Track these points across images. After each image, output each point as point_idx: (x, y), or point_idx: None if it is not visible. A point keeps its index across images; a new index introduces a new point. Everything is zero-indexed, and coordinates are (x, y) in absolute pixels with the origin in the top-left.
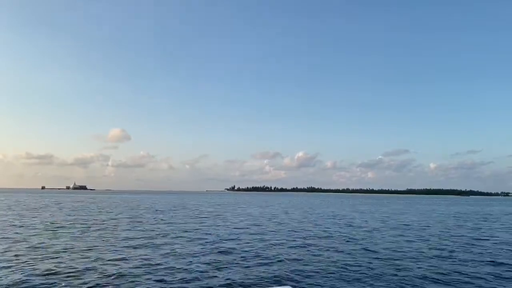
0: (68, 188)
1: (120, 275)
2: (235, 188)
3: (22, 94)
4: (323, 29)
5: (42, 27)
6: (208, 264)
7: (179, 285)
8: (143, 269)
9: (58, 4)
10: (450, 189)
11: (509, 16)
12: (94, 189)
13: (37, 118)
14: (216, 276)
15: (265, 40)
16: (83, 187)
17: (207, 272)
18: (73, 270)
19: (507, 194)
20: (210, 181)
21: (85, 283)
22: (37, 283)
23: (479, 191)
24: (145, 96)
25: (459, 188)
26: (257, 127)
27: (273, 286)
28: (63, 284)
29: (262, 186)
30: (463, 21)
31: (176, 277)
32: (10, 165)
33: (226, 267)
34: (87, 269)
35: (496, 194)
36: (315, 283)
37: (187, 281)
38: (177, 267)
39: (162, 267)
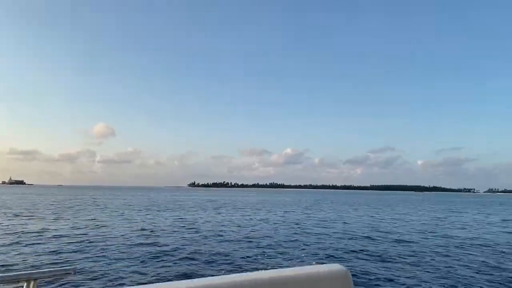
0: (4, 183)
1: None
2: (195, 183)
3: (5, 89)
4: (310, 25)
5: (27, 23)
6: None
7: None
8: None
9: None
10: (415, 185)
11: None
12: (32, 184)
13: (20, 112)
14: None
15: (252, 36)
16: (20, 182)
17: None
18: None
19: (469, 190)
20: (199, 177)
21: None
22: None
23: (443, 187)
24: (128, 91)
25: (439, 185)
26: (245, 123)
27: (321, 264)
28: None
29: (222, 182)
30: (447, 22)
31: None
32: None
33: None
34: None
35: (459, 190)
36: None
37: None
38: None
39: None
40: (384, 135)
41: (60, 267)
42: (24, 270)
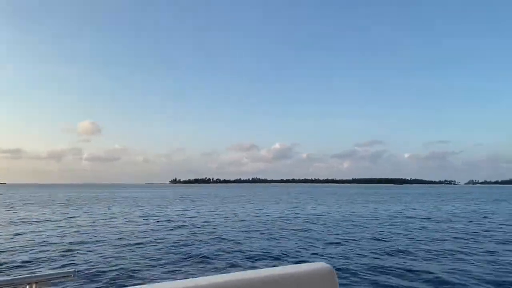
0: None
1: None
2: (176, 180)
3: None
4: (298, 24)
5: (11, 17)
6: None
7: None
8: None
9: None
10: (396, 178)
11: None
12: (5, 183)
13: (4, 110)
14: None
15: (236, 32)
16: None
17: None
18: None
19: (450, 182)
20: (186, 173)
21: None
22: None
23: (424, 179)
24: (113, 88)
25: (422, 178)
26: (233, 119)
27: (307, 263)
28: None
29: (204, 178)
30: (429, 13)
31: None
32: None
33: None
34: None
35: (441, 182)
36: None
37: None
38: None
39: None
40: (372, 129)
41: (60, 270)
42: (24, 274)
